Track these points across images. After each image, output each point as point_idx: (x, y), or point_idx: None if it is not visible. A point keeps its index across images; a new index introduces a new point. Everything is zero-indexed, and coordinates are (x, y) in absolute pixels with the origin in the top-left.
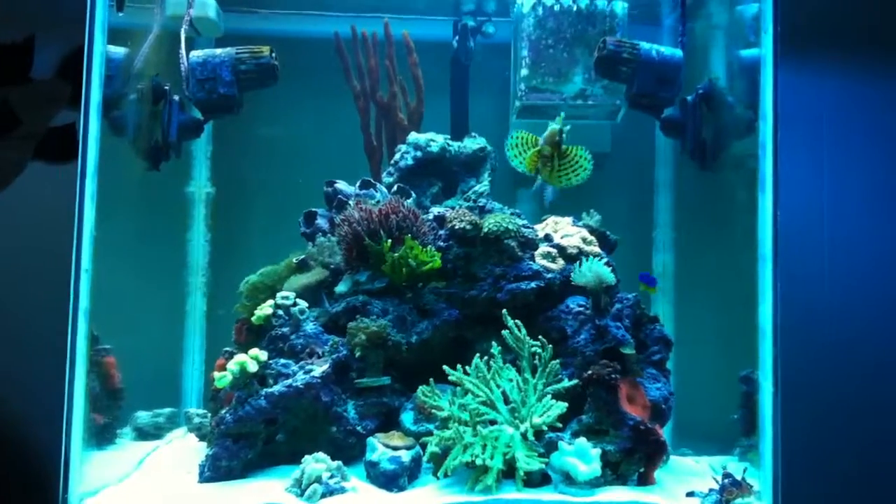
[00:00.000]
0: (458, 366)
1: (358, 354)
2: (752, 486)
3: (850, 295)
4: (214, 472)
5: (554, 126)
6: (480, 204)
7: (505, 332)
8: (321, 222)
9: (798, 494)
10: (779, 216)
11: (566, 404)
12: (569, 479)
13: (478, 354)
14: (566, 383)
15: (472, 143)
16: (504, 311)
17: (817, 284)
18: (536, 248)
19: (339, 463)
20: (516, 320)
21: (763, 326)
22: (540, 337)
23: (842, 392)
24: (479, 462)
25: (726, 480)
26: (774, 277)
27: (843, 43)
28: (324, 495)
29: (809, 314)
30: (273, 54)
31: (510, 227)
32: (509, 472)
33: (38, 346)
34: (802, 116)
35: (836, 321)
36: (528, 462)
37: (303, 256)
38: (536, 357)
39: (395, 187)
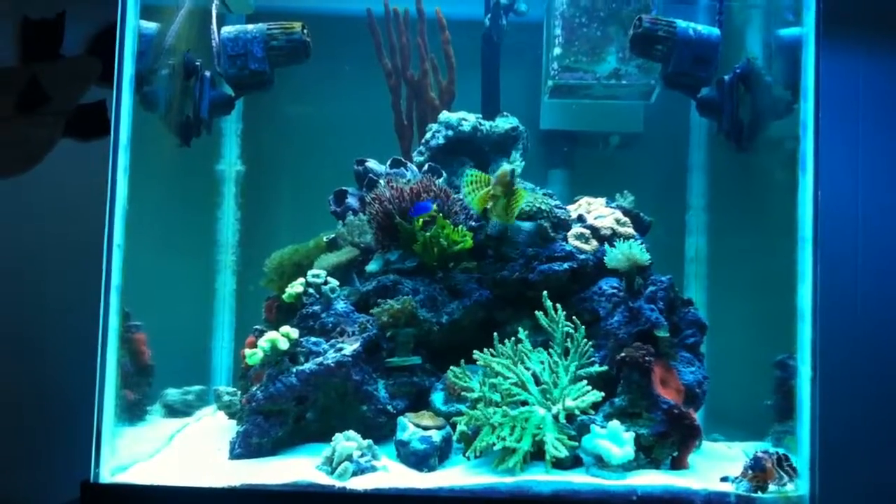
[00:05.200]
0: (486, 349)
1: (388, 334)
2: (783, 473)
3: (884, 276)
4: (245, 448)
5: (505, 167)
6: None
7: (538, 314)
8: (351, 201)
9: (836, 480)
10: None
11: (602, 393)
12: (601, 462)
13: (499, 337)
14: (598, 367)
15: (504, 122)
16: (545, 292)
17: (851, 266)
18: (569, 228)
19: (370, 442)
20: (551, 303)
21: (802, 309)
22: (574, 318)
23: (876, 376)
24: (499, 445)
25: (750, 463)
26: (814, 260)
27: (879, 22)
28: (354, 474)
29: (843, 297)
30: (305, 30)
31: (543, 206)
32: (541, 452)
33: (70, 321)
34: (840, 96)
35: (868, 302)
36: (556, 448)
37: (333, 235)
38: (569, 339)
39: (425, 166)
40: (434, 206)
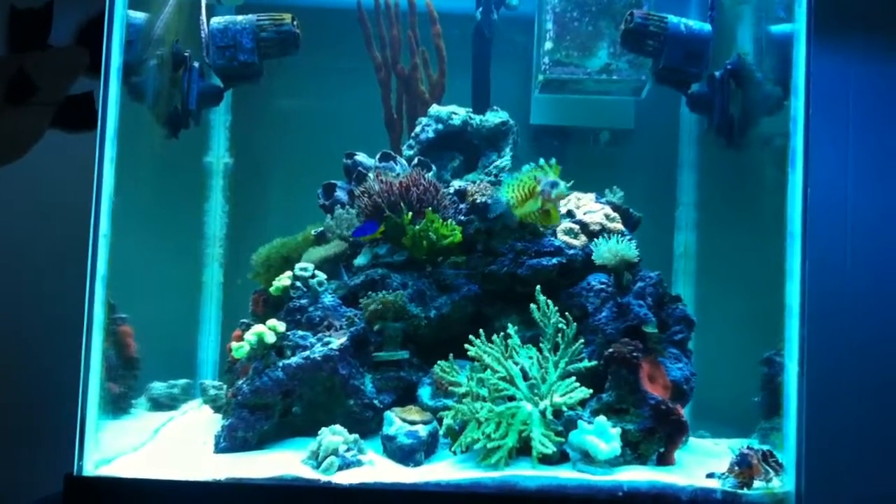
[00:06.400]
0: (477, 341)
1: (376, 328)
2: (769, 469)
3: (871, 274)
4: (230, 442)
5: (562, 188)
6: (502, 178)
7: (532, 307)
8: (340, 194)
9: (822, 476)
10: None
11: (590, 390)
12: (588, 458)
13: (488, 332)
14: (587, 363)
15: (494, 116)
16: (538, 287)
17: (839, 263)
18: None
19: (356, 436)
20: (545, 298)
21: (790, 305)
22: (566, 314)
23: (863, 373)
24: (482, 443)
25: (736, 459)
26: (803, 256)
27: (870, 20)
28: (340, 468)
29: (831, 293)
30: (295, 22)
31: None
32: (527, 447)
33: (55, 312)
34: (830, 93)
35: (856, 300)
36: (543, 445)
37: (321, 229)
38: (560, 334)
39: (415, 160)
40: (381, 227)
